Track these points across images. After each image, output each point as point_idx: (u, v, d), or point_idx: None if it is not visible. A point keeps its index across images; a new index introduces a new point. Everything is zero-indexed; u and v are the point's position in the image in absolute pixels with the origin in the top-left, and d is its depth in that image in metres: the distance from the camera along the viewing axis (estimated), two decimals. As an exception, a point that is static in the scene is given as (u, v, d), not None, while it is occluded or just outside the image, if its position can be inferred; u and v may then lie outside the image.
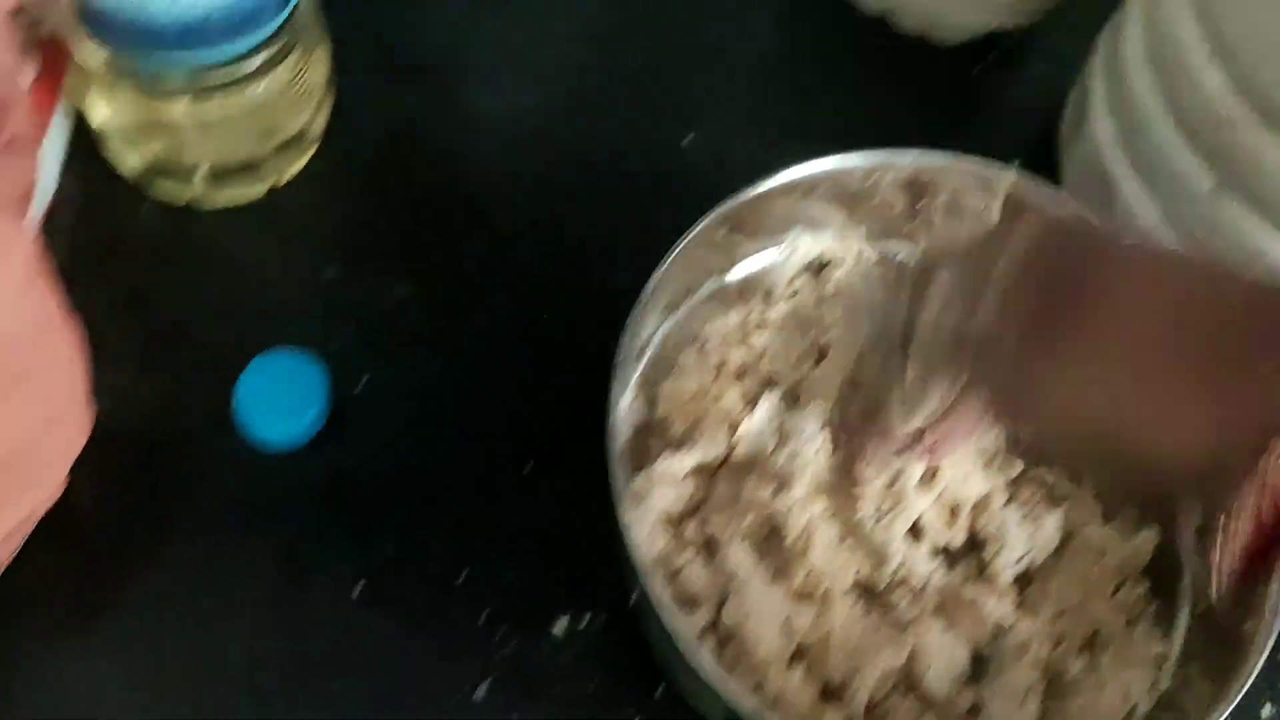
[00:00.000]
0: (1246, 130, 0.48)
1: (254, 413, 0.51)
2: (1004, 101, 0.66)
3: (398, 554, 0.50)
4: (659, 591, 0.40)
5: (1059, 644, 0.46)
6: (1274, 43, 0.47)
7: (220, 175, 0.56)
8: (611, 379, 0.43)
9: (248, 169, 0.56)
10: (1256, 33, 0.47)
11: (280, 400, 0.51)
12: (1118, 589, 0.47)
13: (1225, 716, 0.41)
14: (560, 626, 0.50)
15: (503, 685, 0.48)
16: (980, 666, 0.47)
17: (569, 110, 0.62)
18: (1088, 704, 0.45)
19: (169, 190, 0.56)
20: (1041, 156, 0.62)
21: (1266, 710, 0.51)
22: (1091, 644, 0.46)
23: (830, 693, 0.46)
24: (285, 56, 0.52)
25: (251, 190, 0.57)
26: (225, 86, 0.51)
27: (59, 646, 0.47)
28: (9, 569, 0.47)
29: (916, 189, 0.52)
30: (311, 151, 0.58)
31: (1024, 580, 0.48)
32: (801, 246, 0.52)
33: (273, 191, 0.58)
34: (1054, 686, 0.46)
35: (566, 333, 0.56)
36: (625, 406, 0.49)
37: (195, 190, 0.56)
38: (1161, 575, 0.48)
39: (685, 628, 0.40)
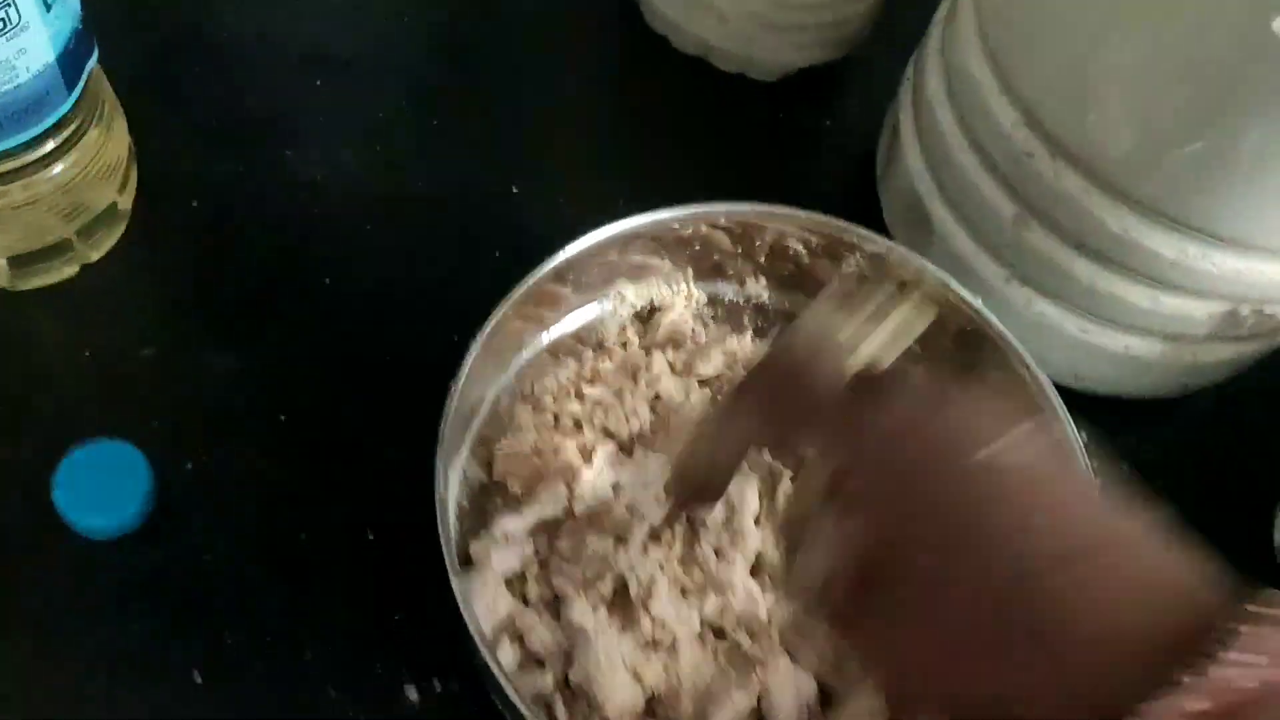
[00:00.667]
0: (1039, 161, 0.51)
1: (74, 507, 0.49)
2: (822, 137, 0.68)
3: (236, 639, 0.49)
4: (498, 664, 0.39)
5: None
6: (1054, 81, 0.49)
7: (27, 258, 0.54)
8: (437, 445, 0.43)
9: (56, 250, 0.54)
10: (1038, 71, 0.50)
11: (101, 492, 0.49)
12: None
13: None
14: (413, 696, 0.49)
15: (357, 763, 0.47)
16: (828, 696, 0.47)
17: (392, 167, 0.62)
18: (931, 726, 0.46)
19: (-30, 277, 0.54)
20: (865, 187, 0.64)
21: None
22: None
23: (684, 740, 0.46)
24: (81, 136, 0.51)
25: (62, 271, 0.55)
26: (21, 170, 0.50)
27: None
28: None
29: (738, 233, 0.53)
30: (123, 227, 0.57)
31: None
32: (629, 295, 0.53)
33: (85, 270, 0.56)
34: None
35: (398, 395, 0.55)
36: (459, 470, 0.48)
37: (1, 276, 0.54)
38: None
39: (526, 697, 0.40)
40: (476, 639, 0.39)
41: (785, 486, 0.49)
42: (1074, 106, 0.49)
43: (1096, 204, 0.50)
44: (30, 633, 0.48)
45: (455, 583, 0.40)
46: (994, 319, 0.49)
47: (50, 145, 0.49)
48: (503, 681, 0.39)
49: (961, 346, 0.52)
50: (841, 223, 0.51)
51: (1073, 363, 0.56)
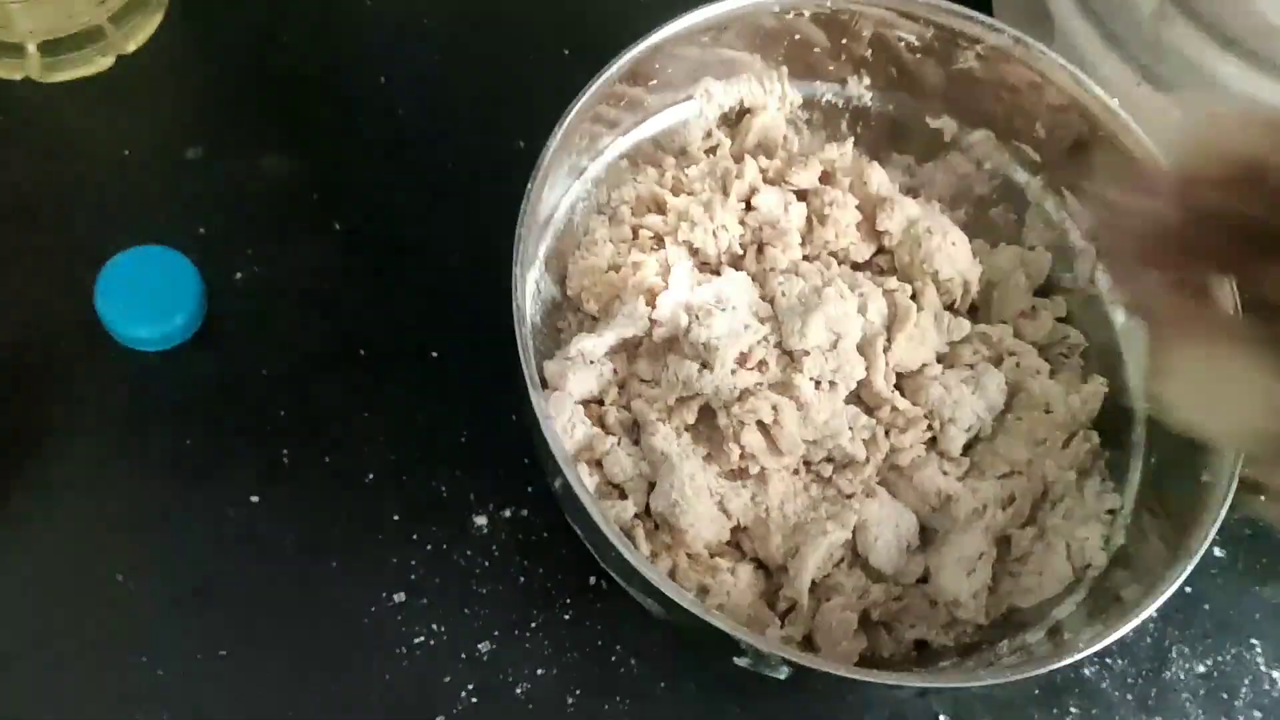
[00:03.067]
0: (1193, -59, 0.44)
1: (120, 315, 0.45)
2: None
3: (295, 457, 0.46)
4: (581, 484, 0.36)
5: (1008, 505, 0.44)
6: None
7: (56, 46, 0.49)
8: (514, 257, 0.38)
9: (87, 38, 0.50)
10: None
11: (148, 300, 0.46)
12: (1067, 443, 0.45)
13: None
14: (480, 522, 0.46)
15: (423, 587, 0.45)
16: (928, 535, 0.44)
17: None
18: (1040, 565, 0.43)
19: (1, 67, 0.50)
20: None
21: (1218, 552, 0.49)
22: (1042, 502, 0.44)
23: (773, 572, 0.43)
24: (114, -98, 0.46)
25: (96, 62, 0.51)
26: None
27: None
28: None
29: (837, 26, 0.47)
30: (160, 15, 0.52)
31: (972, 443, 0.45)
32: (716, 95, 0.48)
33: (121, 62, 0.51)
34: (1004, 550, 0.43)
35: (464, 203, 0.51)
36: (533, 286, 0.44)
37: (30, 65, 0.50)
38: (1112, 426, 0.45)
39: (611, 521, 0.36)
40: (558, 459, 0.36)
41: (879, 308, 0.44)
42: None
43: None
44: (81, 445, 0.45)
45: (534, 399, 0.36)
46: (1130, 120, 0.44)
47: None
48: (586, 503, 0.35)
49: (1073, 158, 0.47)
50: (960, 8, 0.45)
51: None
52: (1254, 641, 0.48)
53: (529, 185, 0.40)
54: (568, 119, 0.41)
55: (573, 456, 0.42)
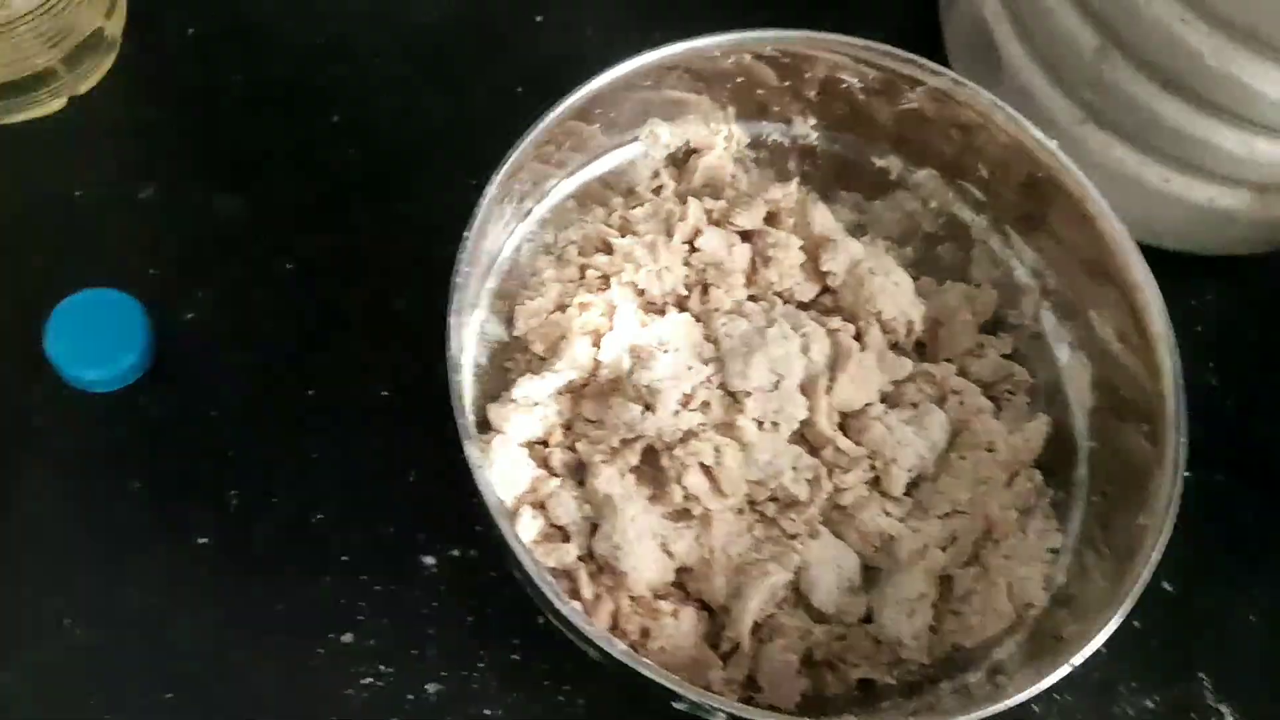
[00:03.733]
0: (1131, -17, 0.45)
1: (69, 357, 0.46)
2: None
3: (243, 498, 0.46)
4: (515, 536, 0.36)
5: (951, 545, 0.44)
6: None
7: (8, 89, 0.49)
8: (449, 305, 0.39)
9: (40, 80, 0.50)
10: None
11: (96, 343, 0.46)
12: (1010, 482, 0.45)
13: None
14: (428, 563, 0.46)
15: (371, 628, 0.45)
16: (871, 574, 0.44)
17: (405, -9, 0.56)
18: (982, 605, 0.43)
19: (-50, 109, 0.50)
20: (923, 21, 0.58)
21: (1167, 585, 0.49)
22: (984, 541, 0.44)
23: (715, 614, 0.43)
24: (62, -52, 0.46)
25: (48, 104, 0.51)
26: (-4, -13, 0.45)
27: None
28: None
29: (785, 66, 0.47)
30: (112, 56, 0.52)
31: (916, 482, 0.45)
32: (663, 135, 0.48)
33: (73, 103, 0.51)
34: (946, 589, 0.44)
35: (415, 242, 0.51)
36: (477, 328, 0.44)
37: (-19, 108, 0.50)
38: (1056, 465, 0.46)
39: (543, 572, 0.37)
40: (493, 510, 0.36)
41: (822, 348, 0.45)
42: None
43: (1193, 33, 0.44)
44: (30, 488, 0.45)
45: (469, 449, 0.37)
46: (1070, 163, 0.44)
47: (29, -43, 0.45)
48: (520, 555, 0.36)
49: (1027, 196, 0.47)
50: (904, 53, 0.45)
51: (1149, 216, 0.51)
52: (1201, 675, 0.49)
53: (465, 233, 0.40)
54: (506, 164, 0.41)
55: (516, 499, 0.42)
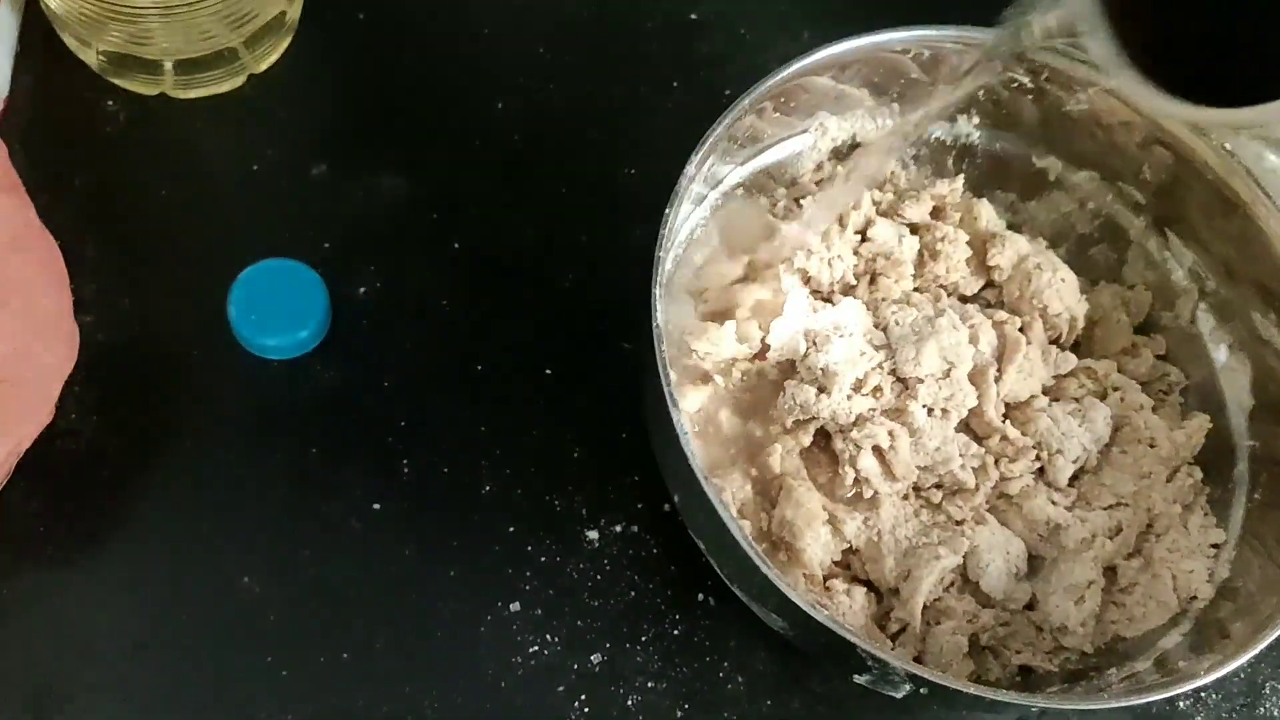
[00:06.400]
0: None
1: (250, 325, 0.47)
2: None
3: (414, 468, 0.47)
4: (717, 497, 0.37)
5: (1115, 536, 0.45)
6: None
7: (191, 65, 0.51)
8: (654, 272, 0.40)
9: (221, 58, 0.51)
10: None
11: (277, 312, 0.47)
12: (1171, 477, 0.46)
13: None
14: (592, 537, 0.47)
15: (537, 598, 0.46)
16: (1036, 562, 0.45)
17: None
18: (1145, 596, 0.44)
19: (137, 82, 0.52)
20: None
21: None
22: (1147, 535, 0.45)
23: (883, 595, 0.44)
24: (259, -69, 0.48)
25: (228, 82, 0.52)
26: (192, -33, 0.47)
27: (56, 579, 0.44)
28: (-2, 501, 0.43)
29: (948, 66, 0.48)
30: (290, 39, 0.54)
31: (1078, 474, 0.46)
32: (830, 129, 0.49)
33: (251, 81, 0.53)
34: (1110, 580, 0.44)
35: (574, 226, 0.52)
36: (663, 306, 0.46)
37: (165, 82, 0.51)
38: (1215, 463, 0.46)
39: (746, 536, 0.37)
40: (697, 473, 0.37)
41: (989, 340, 0.46)
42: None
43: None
44: (210, 450, 0.47)
45: (674, 415, 0.38)
46: (1237, 164, 0.45)
47: (227, -61, 0.46)
48: (724, 516, 0.37)
49: (1192, 200, 0.48)
50: (1076, 54, 0.46)
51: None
52: (1350, 683, 0.49)
53: (666, 210, 0.41)
54: (703, 148, 0.42)
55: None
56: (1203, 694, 0.48)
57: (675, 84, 0.56)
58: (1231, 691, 0.48)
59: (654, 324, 0.39)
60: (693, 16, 0.58)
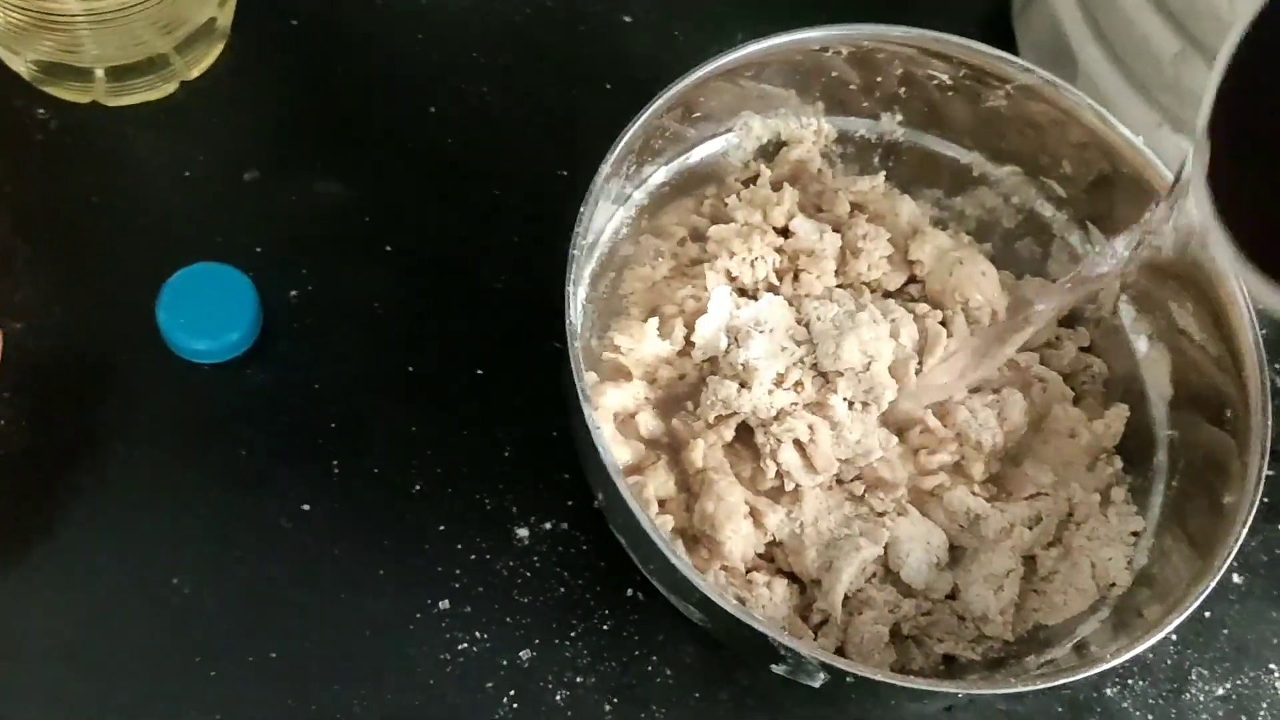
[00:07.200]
0: (1215, -12, 0.46)
1: (180, 328, 0.47)
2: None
3: (345, 468, 0.48)
4: (630, 495, 0.38)
5: (1034, 525, 0.45)
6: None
7: (123, 72, 0.51)
8: (567, 271, 0.40)
9: (152, 65, 0.52)
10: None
11: (207, 315, 0.48)
12: (1091, 467, 0.46)
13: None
14: (522, 534, 0.47)
15: (467, 595, 0.46)
16: (957, 552, 0.46)
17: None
18: (1065, 584, 0.44)
19: (68, 90, 0.52)
20: (996, 24, 0.60)
21: (1236, 578, 0.51)
22: (1067, 524, 0.46)
23: (805, 587, 0.45)
24: (182, -61, 0.48)
25: (159, 88, 0.53)
26: (120, -26, 0.47)
27: (-12, 584, 0.45)
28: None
29: (871, 63, 0.49)
30: (222, 45, 0.54)
31: (999, 465, 0.47)
32: (754, 129, 0.50)
33: (184, 87, 0.53)
34: (1030, 569, 0.45)
35: (509, 227, 0.53)
36: (579, 305, 0.46)
37: (97, 89, 0.52)
38: (1137, 452, 0.47)
39: (660, 530, 0.38)
40: (609, 469, 0.38)
41: (910, 333, 0.46)
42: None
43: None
44: (140, 453, 0.47)
45: (586, 411, 0.38)
46: (1156, 160, 0.46)
47: (149, -52, 0.47)
48: (636, 512, 0.37)
49: (1109, 193, 0.48)
50: (993, 50, 0.47)
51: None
52: (1272, 666, 0.50)
53: (581, 209, 0.42)
54: (617, 148, 0.43)
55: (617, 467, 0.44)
56: (1130, 680, 0.49)
57: (609, 85, 0.57)
58: (1159, 678, 0.49)
59: (567, 321, 0.39)
60: (626, 19, 0.58)
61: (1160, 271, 0.47)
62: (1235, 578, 0.51)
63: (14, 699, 0.43)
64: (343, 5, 0.56)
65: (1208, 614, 0.50)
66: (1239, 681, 0.49)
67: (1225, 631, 0.50)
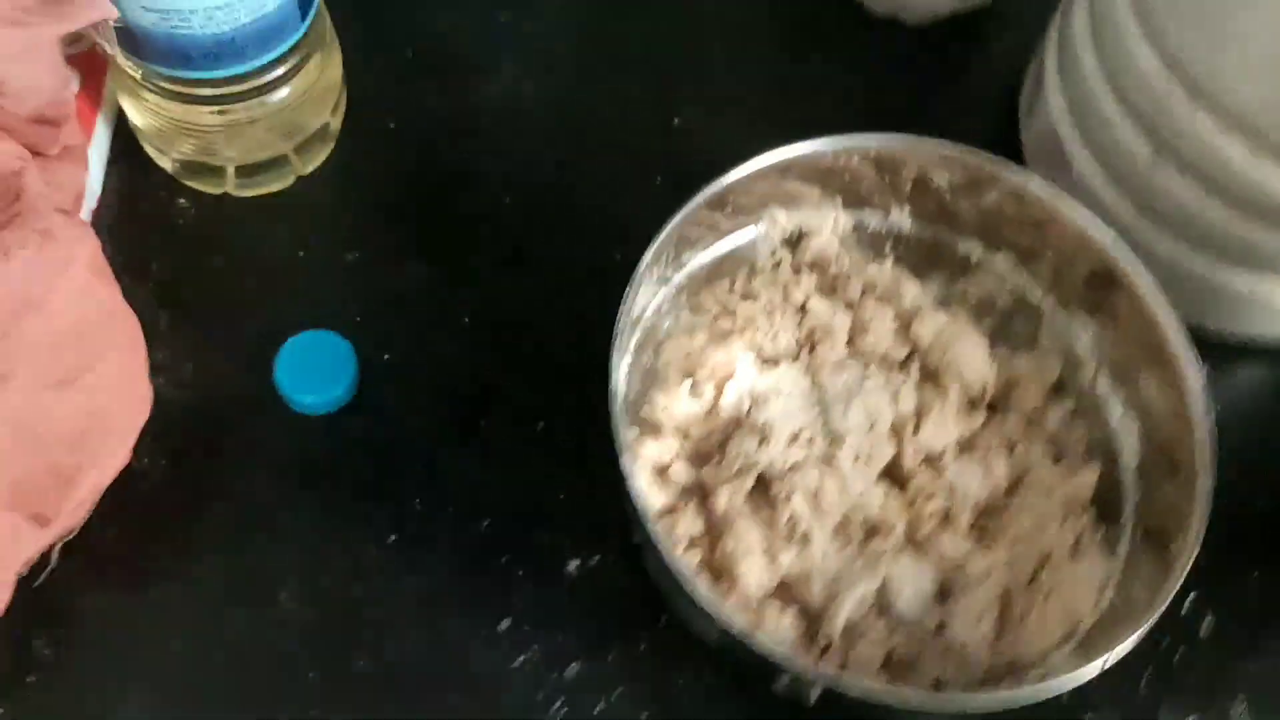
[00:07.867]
0: (1177, 104, 0.53)
1: (293, 385, 0.57)
2: (969, 78, 0.71)
3: (424, 507, 0.56)
4: (659, 535, 0.45)
5: (1013, 569, 0.52)
6: (1196, 25, 0.52)
7: (249, 170, 0.61)
8: (612, 344, 0.49)
9: (274, 163, 0.62)
10: (1181, 15, 0.53)
11: (315, 373, 0.57)
12: (1065, 520, 0.53)
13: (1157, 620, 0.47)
14: (572, 567, 0.55)
15: (524, 619, 0.54)
16: (945, 590, 0.53)
17: (567, 99, 0.68)
18: (1038, 620, 0.51)
19: (204, 183, 0.62)
20: (1006, 130, 0.67)
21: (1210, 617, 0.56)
22: (1043, 567, 0.52)
23: (812, 617, 0.52)
24: (306, 62, 0.58)
25: (279, 182, 0.63)
26: (251, 93, 0.57)
27: (124, 603, 0.53)
28: (78, 535, 0.52)
29: (885, 165, 0.57)
30: (332, 145, 0.64)
31: (982, 515, 0.54)
32: (780, 220, 0.58)
33: (299, 181, 0.63)
34: (1008, 605, 0.52)
35: (569, 302, 0.61)
36: (625, 372, 0.54)
37: (228, 183, 0.62)
38: (1109, 507, 0.53)
39: (683, 562, 0.46)
40: (642, 513, 0.46)
41: (910, 400, 0.54)
42: (1213, 49, 0.51)
43: (1228, 145, 0.52)
44: (257, 488, 0.56)
45: (623, 462, 0.46)
46: (1128, 253, 0.52)
47: (280, 70, 0.56)
48: (664, 550, 0.45)
49: (1092, 286, 0.55)
50: (985, 154, 0.54)
51: (1198, 301, 0.59)
52: (1241, 695, 0.55)
53: (626, 290, 0.50)
54: (658, 240, 0.51)
55: (655, 514, 0.52)
56: (1096, 714, 0.54)
57: (659, 179, 0.65)
58: (1129, 708, 0.55)
59: (611, 386, 0.48)
60: (675, 121, 0.67)
61: (1129, 342, 0.54)
62: (1209, 616, 0.57)
63: (139, 711, 0.52)
64: (434, 110, 0.66)
65: (1182, 648, 0.56)
66: (1210, 713, 0.55)
67: (1199, 665, 0.55)
